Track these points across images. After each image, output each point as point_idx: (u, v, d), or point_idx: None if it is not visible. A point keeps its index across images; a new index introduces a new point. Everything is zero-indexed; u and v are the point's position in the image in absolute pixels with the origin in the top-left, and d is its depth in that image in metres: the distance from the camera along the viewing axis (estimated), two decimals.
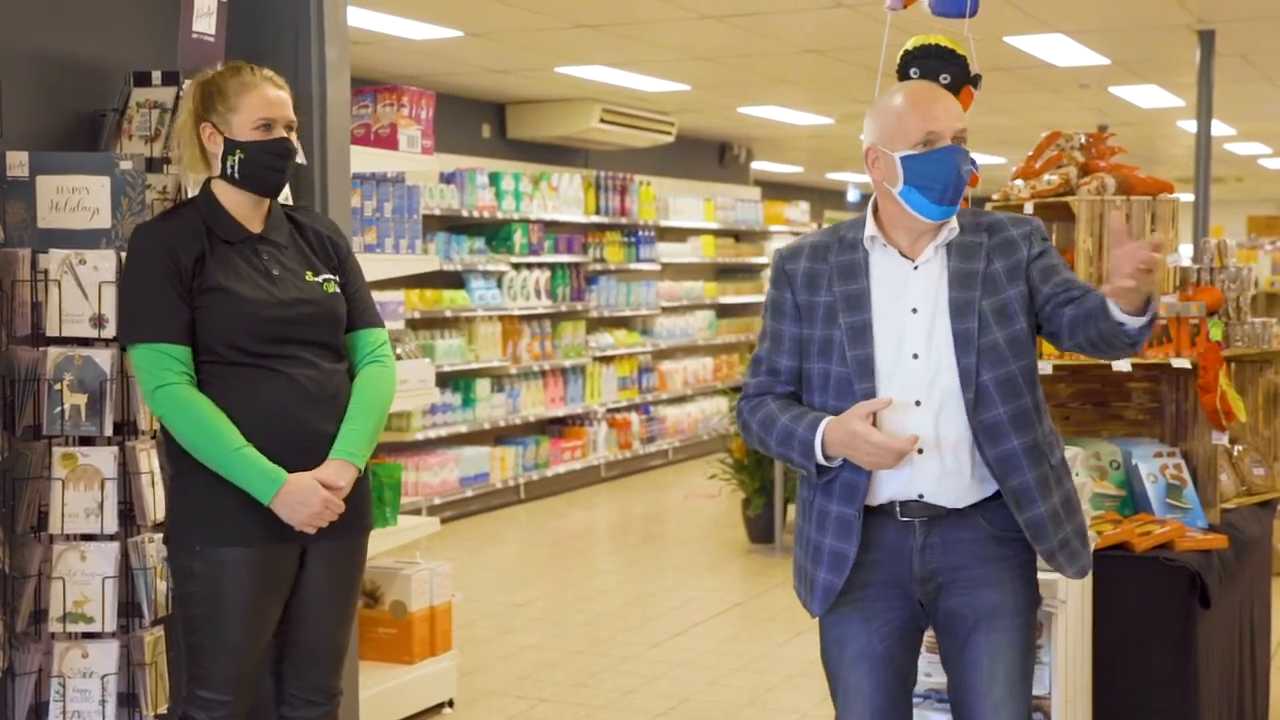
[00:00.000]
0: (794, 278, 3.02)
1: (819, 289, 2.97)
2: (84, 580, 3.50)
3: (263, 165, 3.32)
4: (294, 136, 3.39)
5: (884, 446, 2.78)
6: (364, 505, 3.45)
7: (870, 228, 2.96)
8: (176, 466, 3.32)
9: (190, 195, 3.64)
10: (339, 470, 3.28)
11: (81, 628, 3.50)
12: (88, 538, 3.53)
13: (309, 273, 3.39)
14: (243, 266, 3.30)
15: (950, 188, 2.88)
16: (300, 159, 4.03)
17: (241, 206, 3.36)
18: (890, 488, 2.90)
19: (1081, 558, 2.98)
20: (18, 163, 3.56)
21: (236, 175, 3.32)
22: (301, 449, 3.27)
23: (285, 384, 3.27)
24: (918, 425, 2.85)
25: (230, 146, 3.31)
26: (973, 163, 2.97)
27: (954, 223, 2.93)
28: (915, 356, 2.88)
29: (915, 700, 3.16)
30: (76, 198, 3.55)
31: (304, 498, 3.21)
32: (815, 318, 2.97)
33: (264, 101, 3.32)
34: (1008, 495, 2.88)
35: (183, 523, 3.30)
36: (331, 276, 3.42)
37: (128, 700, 3.57)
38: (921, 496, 2.88)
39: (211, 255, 3.28)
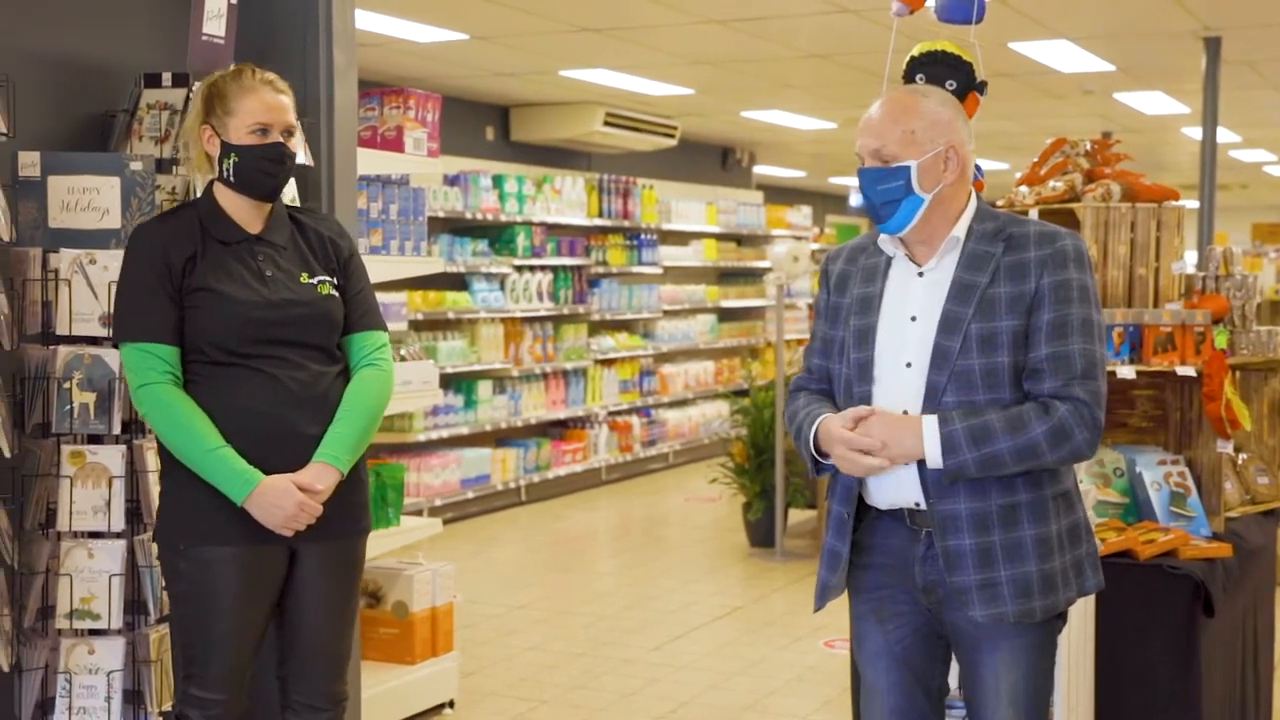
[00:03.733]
0: (830, 278, 3.04)
1: (846, 291, 2.99)
2: (91, 577, 3.51)
3: (256, 169, 3.30)
4: (293, 142, 3.37)
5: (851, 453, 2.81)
6: (359, 508, 3.42)
7: None
8: (165, 465, 3.31)
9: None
10: (319, 473, 3.25)
11: (88, 624, 3.52)
12: (95, 535, 3.55)
13: (304, 274, 3.36)
14: (235, 267, 3.29)
15: (869, 209, 2.89)
16: (306, 160, 4.04)
17: (240, 208, 3.35)
18: (888, 494, 2.89)
19: (1001, 603, 2.79)
20: (29, 163, 3.58)
21: (231, 178, 3.31)
22: (285, 451, 3.25)
23: (269, 385, 3.25)
24: None
25: (225, 150, 3.30)
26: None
27: (959, 231, 2.87)
28: (908, 365, 2.85)
29: None
30: (87, 198, 3.57)
31: (277, 500, 3.19)
32: (839, 319, 2.98)
33: (261, 106, 3.30)
34: (933, 517, 2.82)
35: (169, 521, 3.29)
36: (328, 278, 3.39)
37: (133, 697, 3.59)
38: (918, 505, 2.86)
39: (204, 255, 3.27)
